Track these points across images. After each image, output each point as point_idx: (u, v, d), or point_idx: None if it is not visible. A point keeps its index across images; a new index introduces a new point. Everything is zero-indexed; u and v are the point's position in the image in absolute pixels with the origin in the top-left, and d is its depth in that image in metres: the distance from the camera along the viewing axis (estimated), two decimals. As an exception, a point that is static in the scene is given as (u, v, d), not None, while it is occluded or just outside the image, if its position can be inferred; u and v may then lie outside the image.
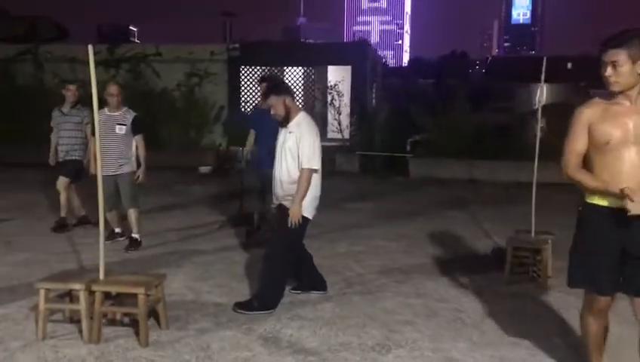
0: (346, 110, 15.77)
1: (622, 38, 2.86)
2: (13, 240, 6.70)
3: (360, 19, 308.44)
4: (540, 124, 5.99)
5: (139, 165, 6.36)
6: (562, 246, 5.01)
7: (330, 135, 16.06)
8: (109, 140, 6.11)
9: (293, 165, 4.42)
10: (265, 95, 4.69)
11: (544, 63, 5.68)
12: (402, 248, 6.65)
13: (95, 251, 4.27)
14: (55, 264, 5.59)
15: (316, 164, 4.39)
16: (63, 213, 7.26)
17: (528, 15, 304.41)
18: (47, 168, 7.45)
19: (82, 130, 7.14)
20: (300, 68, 17.64)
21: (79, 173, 7.18)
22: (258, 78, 11.42)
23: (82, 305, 3.83)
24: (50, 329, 3.95)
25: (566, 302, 4.62)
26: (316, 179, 4.46)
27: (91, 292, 3.84)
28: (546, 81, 5.72)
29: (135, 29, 66.77)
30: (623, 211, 2.76)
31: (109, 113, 6.20)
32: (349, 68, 17.09)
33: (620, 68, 2.84)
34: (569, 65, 35.50)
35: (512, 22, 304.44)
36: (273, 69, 16.85)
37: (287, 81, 15.80)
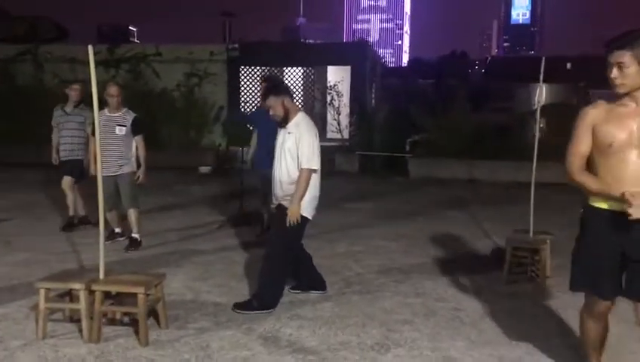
0: (345, 110, 15.79)
1: (626, 39, 2.81)
2: (13, 240, 6.70)
3: (359, 17, 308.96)
4: (539, 124, 6.00)
5: (139, 165, 6.37)
6: (561, 246, 5.04)
7: (329, 135, 16.08)
8: (109, 141, 6.12)
9: (292, 165, 4.43)
10: (264, 95, 4.70)
11: (543, 63, 5.68)
12: (402, 248, 6.66)
13: (95, 251, 4.28)
14: (55, 264, 5.60)
15: (315, 164, 4.41)
16: (71, 212, 7.28)
17: (528, 15, 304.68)
18: (48, 168, 7.45)
19: (85, 130, 7.13)
20: (300, 68, 17.66)
21: (83, 172, 7.19)
22: (260, 78, 11.44)
23: (82, 305, 3.84)
24: (51, 329, 3.96)
25: (564, 301, 4.63)
26: (315, 179, 4.47)
27: (91, 292, 3.86)
28: (545, 81, 5.71)
29: (135, 29, 66.61)
30: (624, 214, 2.71)
31: (108, 114, 6.21)
32: (348, 68, 17.11)
33: (625, 69, 2.79)
34: (568, 65, 35.43)
35: (512, 22, 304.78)
36: (273, 69, 16.86)
37: (286, 82, 15.83)
